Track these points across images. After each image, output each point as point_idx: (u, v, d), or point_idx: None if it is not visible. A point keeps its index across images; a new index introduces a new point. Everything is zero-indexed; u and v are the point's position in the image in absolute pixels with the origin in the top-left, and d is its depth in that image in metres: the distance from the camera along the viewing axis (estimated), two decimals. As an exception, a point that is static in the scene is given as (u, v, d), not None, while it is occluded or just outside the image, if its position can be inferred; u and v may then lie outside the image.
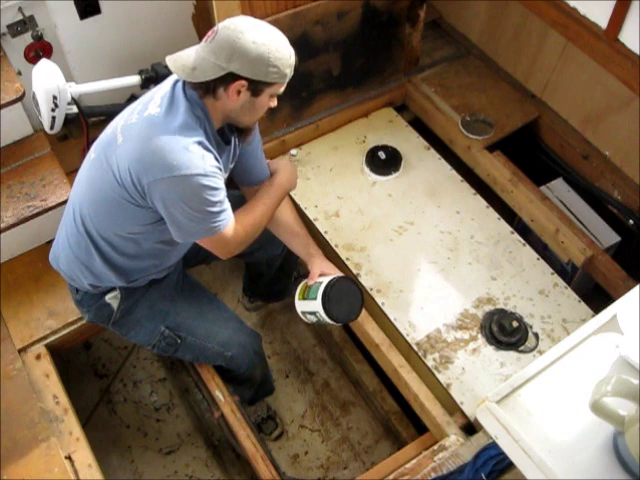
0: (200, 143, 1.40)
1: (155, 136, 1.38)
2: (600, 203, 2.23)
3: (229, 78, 1.36)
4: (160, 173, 1.36)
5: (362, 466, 2.19)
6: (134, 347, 2.38)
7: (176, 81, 1.46)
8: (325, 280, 1.67)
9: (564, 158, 2.32)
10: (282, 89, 1.46)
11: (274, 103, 1.49)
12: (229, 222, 1.49)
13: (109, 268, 1.61)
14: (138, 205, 1.45)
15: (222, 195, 1.45)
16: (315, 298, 1.65)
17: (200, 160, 1.38)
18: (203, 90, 1.41)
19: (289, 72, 1.41)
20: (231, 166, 1.65)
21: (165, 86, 1.47)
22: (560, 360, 1.16)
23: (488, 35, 2.49)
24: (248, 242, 1.64)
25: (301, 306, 1.72)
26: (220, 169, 1.45)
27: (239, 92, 1.39)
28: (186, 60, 1.39)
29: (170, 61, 1.41)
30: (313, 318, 1.69)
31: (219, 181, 1.43)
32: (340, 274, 1.72)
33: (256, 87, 1.39)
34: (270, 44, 1.35)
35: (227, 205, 1.49)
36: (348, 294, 1.68)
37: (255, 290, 2.35)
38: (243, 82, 1.37)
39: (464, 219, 2.07)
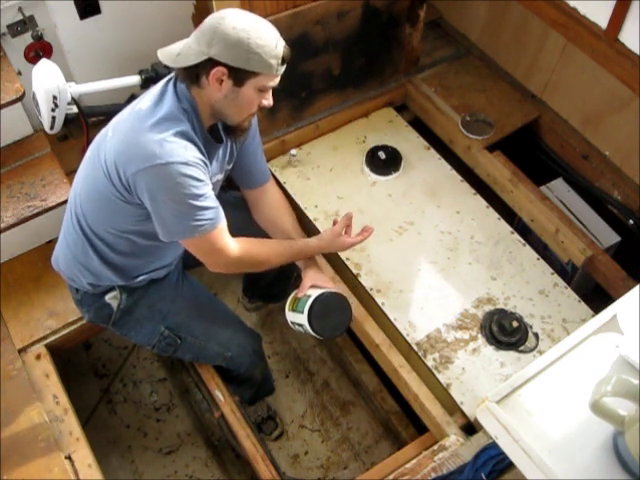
0: (184, 134, 1.39)
1: (139, 128, 1.38)
2: (600, 203, 2.23)
3: (209, 64, 1.35)
4: (142, 163, 1.35)
5: (362, 466, 2.19)
6: (134, 347, 2.38)
7: (170, 79, 1.47)
8: (314, 294, 1.66)
9: (564, 158, 2.31)
10: (272, 83, 1.42)
11: (268, 101, 1.45)
12: (218, 225, 1.45)
13: (107, 267, 1.61)
14: (126, 201, 1.45)
15: (206, 189, 1.42)
16: (302, 312, 1.65)
17: (182, 149, 1.37)
18: (189, 79, 1.41)
19: (274, 63, 1.36)
20: (228, 167, 1.64)
21: (159, 84, 1.48)
22: (560, 360, 1.16)
23: (488, 35, 2.49)
24: (241, 269, 1.63)
25: (290, 316, 1.73)
26: (205, 162, 1.43)
27: (221, 81, 1.37)
28: (173, 49, 1.41)
29: (160, 52, 1.42)
30: (301, 329, 1.70)
31: (202, 174, 1.40)
32: (331, 288, 1.72)
33: (237, 75, 1.36)
34: (251, 30, 1.33)
35: (215, 204, 1.45)
36: (335, 310, 1.68)
37: (255, 291, 2.35)
38: (223, 69, 1.35)
39: (464, 219, 2.07)
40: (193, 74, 1.39)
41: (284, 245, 1.67)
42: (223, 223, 1.48)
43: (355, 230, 2.02)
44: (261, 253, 1.60)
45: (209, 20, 1.36)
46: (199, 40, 1.35)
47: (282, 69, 1.41)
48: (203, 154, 1.44)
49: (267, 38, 1.35)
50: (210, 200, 1.43)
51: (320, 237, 1.70)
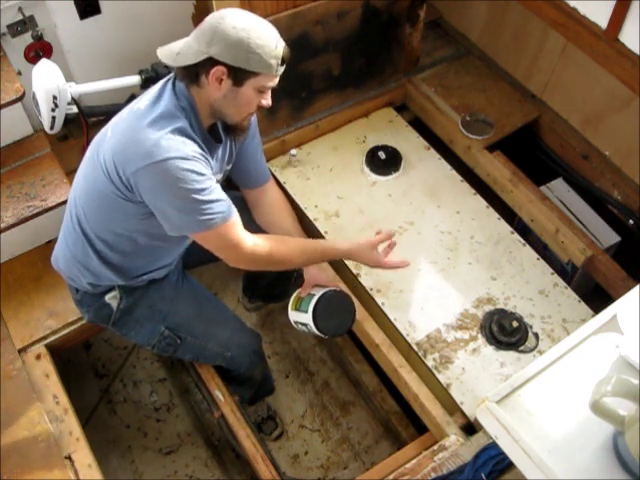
0: (181, 130, 1.39)
1: (137, 127, 1.38)
2: (600, 203, 2.23)
3: (209, 63, 1.35)
4: (142, 161, 1.35)
5: (362, 466, 2.19)
6: (134, 347, 2.38)
7: (168, 79, 1.47)
8: (317, 293, 1.67)
9: (564, 158, 2.31)
10: (271, 83, 1.42)
11: (267, 101, 1.45)
12: (230, 219, 1.44)
13: (106, 267, 1.61)
14: (127, 199, 1.45)
15: (209, 183, 1.41)
16: (306, 311, 1.65)
17: (180, 144, 1.36)
18: (188, 78, 1.41)
19: (274, 63, 1.37)
20: (228, 167, 1.64)
21: (158, 83, 1.49)
22: (560, 360, 1.16)
23: (488, 35, 2.49)
24: (264, 266, 1.61)
25: (293, 316, 1.73)
26: (205, 157, 1.43)
27: (220, 80, 1.37)
28: (173, 47, 1.41)
29: (159, 50, 1.42)
30: (304, 329, 1.70)
31: (202, 167, 1.40)
32: (334, 286, 1.71)
33: (237, 75, 1.36)
34: (251, 30, 1.33)
35: (223, 197, 1.44)
36: (339, 308, 1.68)
37: (255, 291, 2.35)
38: (222, 68, 1.35)
39: (464, 219, 2.07)
40: (192, 73, 1.39)
41: (309, 245, 1.66)
42: (235, 217, 1.47)
43: (356, 230, 2.03)
44: (285, 252, 1.59)
45: (209, 19, 1.36)
46: (199, 39, 1.36)
47: (281, 69, 1.41)
48: (203, 150, 1.44)
49: (267, 38, 1.35)
50: (216, 193, 1.42)
51: (354, 242, 1.69)
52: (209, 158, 1.46)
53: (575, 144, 2.27)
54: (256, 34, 1.34)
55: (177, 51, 1.39)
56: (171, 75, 1.47)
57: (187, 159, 1.36)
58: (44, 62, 1.77)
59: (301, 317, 1.69)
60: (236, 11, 1.38)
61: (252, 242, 1.51)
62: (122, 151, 1.39)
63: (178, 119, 1.40)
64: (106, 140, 1.44)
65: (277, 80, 1.43)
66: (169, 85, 1.44)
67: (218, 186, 1.45)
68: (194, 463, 2.21)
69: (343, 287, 1.91)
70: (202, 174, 1.39)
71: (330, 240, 1.71)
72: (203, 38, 1.35)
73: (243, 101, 1.42)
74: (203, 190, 1.39)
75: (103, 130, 1.51)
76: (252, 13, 1.40)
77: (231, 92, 1.40)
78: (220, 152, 1.56)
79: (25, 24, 1.97)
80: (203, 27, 1.36)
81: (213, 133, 1.52)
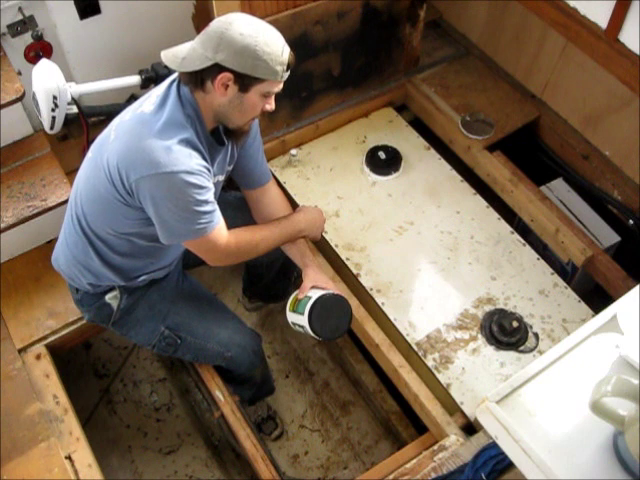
0: (188, 141, 1.39)
1: (143, 133, 1.38)
2: (600, 203, 2.23)
3: (215, 69, 1.35)
4: (147, 170, 1.36)
5: (362, 466, 2.19)
6: (134, 347, 2.38)
7: (173, 80, 1.46)
8: (314, 296, 1.67)
9: (564, 158, 2.31)
10: (276, 89, 1.43)
11: (271, 106, 1.46)
12: (217, 225, 1.48)
13: (107, 267, 1.61)
14: (127, 204, 1.45)
15: (209, 195, 1.44)
16: (303, 313, 1.66)
17: (187, 158, 1.38)
18: (193, 83, 1.41)
19: (280, 69, 1.37)
20: (229, 168, 1.64)
21: (162, 85, 1.48)
22: (560, 360, 1.16)
23: (488, 35, 2.49)
24: (239, 258, 1.65)
25: (290, 317, 1.74)
26: (208, 169, 1.44)
27: (226, 86, 1.37)
28: (178, 52, 1.41)
29: (163, 54, 1.42)
30: (301, 330, 1.71)
31: (205, 180, 1.42)
32: (331, 289, 1.72)
33: (243, 81, 1.37)
34: (258, 37, 1.33)
35: (215, 207, 1.47)
36: (336, 312, 1.68)
37: (255, 291, 2.35)
38: (229, 75, 1.35)
39: (464, 219, 2.07)
40: (198, 78, 1.39)
41: (273, 222, 1.71)
42: (222, 222, 1.51)
43: (356, 230, 2.03)
44: (254, 236, 1.63)
45: (216, 24, 1.36)
46: (205, 45, 1.35)
47: (286, 75, 1.42)
48: (206, 160, 1.45)
49: (274, 45, 1.36)
50: (211, 204, 1.46)
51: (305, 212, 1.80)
52: (211, 168, 1.47)
53: (575, 144, 2.27)
54: (263, 41, 1.34)
55: (182, 56, 1.38)
56: (175, 76, 1.47)
57: (192, 173, 1.38)
58: (44, 62, 1.77)
59: (298, 319, 1.70)
60: (243, 17, 1.38)
61: (230, 240, 1.54)
62: (127, 157, 1.38)
63: (185, 129, 1.40)
64: (110, 142, 1.44)
65: (282, 85, 1.44)
66: (174, 89, 1.44)
67: (213, 196, 1.47)
68: (194, 463, 2.21)
69: (343, 287, 1.91)
70: (204, 187, 1.41)
71: (290, 215, 1.75)
72: (209, 44, 1.34)
73: (248, 106, 1.43)
74: (203, 202, 1.42)
75: (106, 131, 1.51)
76: (258, 18, 1.39)
77: (237, 98, 1.40)
78: (222, 154, 1.56)
79: (25, 24, 1.97)
80: (209, 32, 1.36)
81: (215, 136, 1.52)
